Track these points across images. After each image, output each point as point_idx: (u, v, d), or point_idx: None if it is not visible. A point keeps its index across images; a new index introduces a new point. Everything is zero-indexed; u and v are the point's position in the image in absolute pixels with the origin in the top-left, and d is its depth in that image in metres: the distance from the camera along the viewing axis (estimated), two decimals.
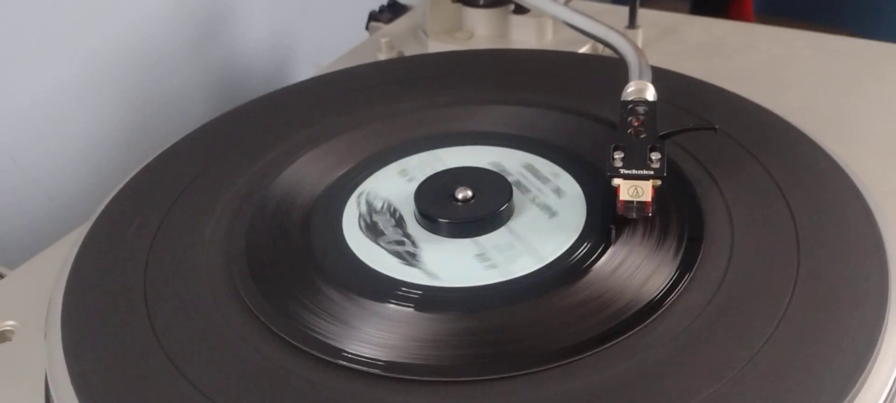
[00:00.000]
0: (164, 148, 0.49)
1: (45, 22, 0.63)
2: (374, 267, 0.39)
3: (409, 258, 0.39)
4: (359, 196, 0.44)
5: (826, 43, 0.66)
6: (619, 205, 0.38)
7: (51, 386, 0.35)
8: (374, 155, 0.47)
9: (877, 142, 0.53)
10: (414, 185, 0.43)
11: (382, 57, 0.66)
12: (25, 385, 0.39)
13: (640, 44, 0.65)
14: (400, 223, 0.42)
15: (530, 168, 0.45)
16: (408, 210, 0.42)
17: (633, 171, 0.38)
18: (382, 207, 0.43)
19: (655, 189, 0.38)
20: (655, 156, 0.38)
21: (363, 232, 0.41)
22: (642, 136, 0.39)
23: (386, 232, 0.41)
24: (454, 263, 0.39)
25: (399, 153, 0.47)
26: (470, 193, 0.42)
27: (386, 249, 0.40)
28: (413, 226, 0.41)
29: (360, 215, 0.42)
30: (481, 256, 0.39)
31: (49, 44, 0.64)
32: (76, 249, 0.42)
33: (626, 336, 0.34)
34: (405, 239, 0.40)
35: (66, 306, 0.38)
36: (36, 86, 0.64)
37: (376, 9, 0.76)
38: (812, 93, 0.59)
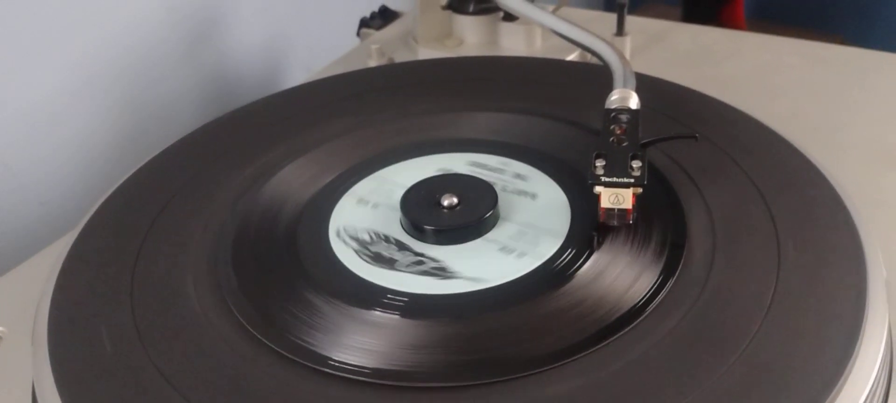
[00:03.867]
0: (154, 154, 0.50)
1: (37, 26, 0.63)
2: (360, 275, 0.39)
3: (442, 273, 0.39)
4: (338, 231, 0.42)
5: (814, 51, 0.66)
6: (600, 213, 0.39)
7: (37, 393, 0.36)
8: (364, 161, 0.47)
9: (862, 149, 0.53)
10: (401, 192, 0.43)
11: (373, 63, 0.66)
12: (13, 390, 0.39)
13: (628, 51, 0.65)
14: (401, 246, 0.41)
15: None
16: (394, 221, 0.42)
17: (614, 179, 0.38)
18: (372, 238, 0.42)
19: (636, 196, 0.38)
20: (636, 164, 0.38)
21: (373, 264, 0.40)
22: (624, 144, 0.39)
23: (399, 258, 0.40)
24: (483, 262, 0.39)
25: (388, 159, 0.47)
26: (455, 200, 0.42)
27: (413, 273, 0.39)
28: (407, 239, 0.41)
29: (357, 251, 0.41)
30: (504, 248, 0.40)
31: (41, 48, 0.64)
32: (65, 255, 0.42)
33: (609, 341, 0.34)
34: (423, 257, 0.40)
35: (52, 312, 0.38)
36: (28, 91, 0.64)
37: (367, 15, 0.76)
38: (799, 101, 0.59)
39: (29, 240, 0.63)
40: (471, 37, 0.68)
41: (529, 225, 0.41)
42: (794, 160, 0.44)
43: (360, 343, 0.35)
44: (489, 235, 0.41)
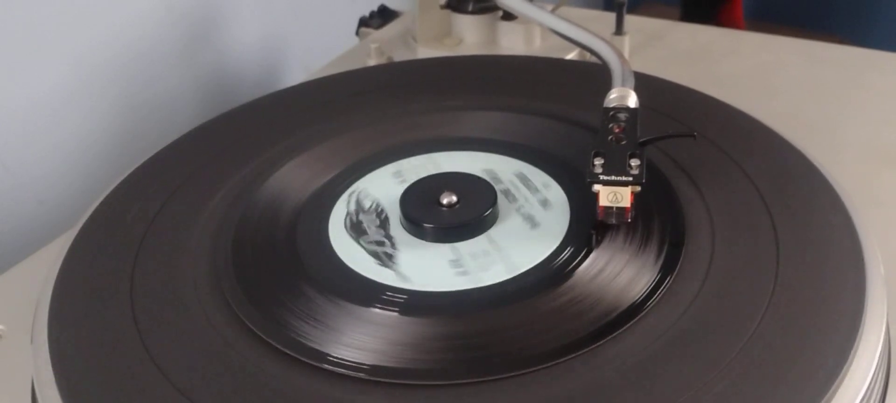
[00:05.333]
0: (152, 152, 0.50)
1: (34, 25, 0.63)
2: (359, 272, 0.39)
3: (386, 259, 0.40)
4: (350, 195, 0.45)
5: (813, 50, 0.66)
6: (598, 211, 0.39)
7: (37, 391, 0.36)
8: (360, 161, 0.47)
9: (861, 148, 0.53)
10: (400, 190, 0.43)
11: (372, 62, 0.66)
12: (12, 388, 0.39)
13: (626, 50, 0.65)
14: (384, 224, 0.42)
15: (516, 173, 0.45)
16: (394, 211, 0.43)
17: (613, 177, 0.38)
18: (370, 207, 0.43)
19: (635, 195, 0.38)
20: (635, 162, 0.38)
21: (347, 231, 0.42)
22: (623, 143, 0.39)
23: (368, 231, 0.42)
24: (428, 267, 0.39)
25: (384, 159, 0.47)
26: (455, 198, 0.42)
27: (365, 249, 0.40)
28: (396, 228, 0.42)
29: (348, 213, 0.43)
30: (455, 262, 0.39)
31: (39, 47, 0.64)
32: (64, 254, 0.42)
33: (607, 339, 0.34)
34: (385, 240, 0.41)
35: (52, 310, 0.38)
36: (26, 89, 0.64)
37: (366, 15, 0.76)
38: (798, 100, 0.59)
39: (27, 239, 0.63)
40: (470, 36, 0.68)
41: (500, 247, 0.41)
42: (793, 159, 0.44)
43: (358, 341, 0.35)
44: (488, 233, 0.41)
